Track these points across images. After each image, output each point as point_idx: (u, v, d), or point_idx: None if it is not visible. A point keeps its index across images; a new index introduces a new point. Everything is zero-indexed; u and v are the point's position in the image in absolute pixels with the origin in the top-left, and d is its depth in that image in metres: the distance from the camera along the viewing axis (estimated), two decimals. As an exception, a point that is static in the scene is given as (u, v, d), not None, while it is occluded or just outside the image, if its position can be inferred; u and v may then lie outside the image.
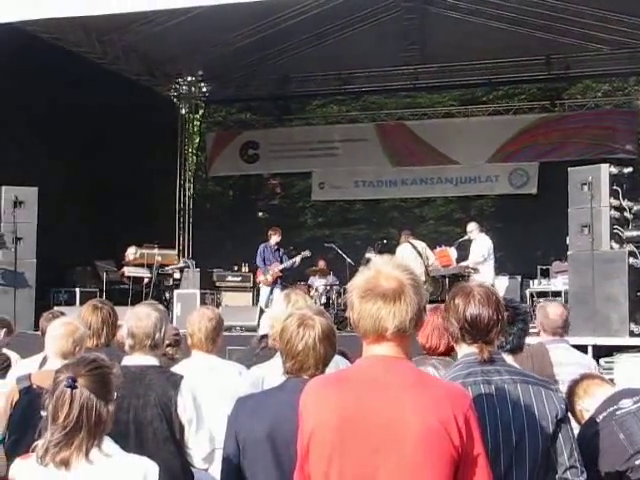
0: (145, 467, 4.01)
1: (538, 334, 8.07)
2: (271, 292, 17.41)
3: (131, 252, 17.82)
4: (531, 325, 6.21)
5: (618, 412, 5.07)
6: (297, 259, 17.97)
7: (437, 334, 4.75)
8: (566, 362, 7.16)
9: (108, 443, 3.99)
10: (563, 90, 24.55)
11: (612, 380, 5.79)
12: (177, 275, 18.17)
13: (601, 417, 5.17)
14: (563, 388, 6.76)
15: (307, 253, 18.14)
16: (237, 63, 21.93)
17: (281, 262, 17.84)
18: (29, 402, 5.84)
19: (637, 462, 4.97)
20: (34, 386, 5.91)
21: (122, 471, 3.96)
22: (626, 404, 5.08)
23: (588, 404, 5.41)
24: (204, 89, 24.93)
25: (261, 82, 23.54)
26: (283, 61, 22.06)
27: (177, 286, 17.69)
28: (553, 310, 7.79)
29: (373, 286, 3.46)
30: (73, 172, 17.72)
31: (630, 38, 17.93)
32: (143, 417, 5.51)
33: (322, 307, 5.56)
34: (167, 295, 17.46)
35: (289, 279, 17.92)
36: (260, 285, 17.87)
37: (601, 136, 21.94)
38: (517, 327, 5.03)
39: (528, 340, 9.33)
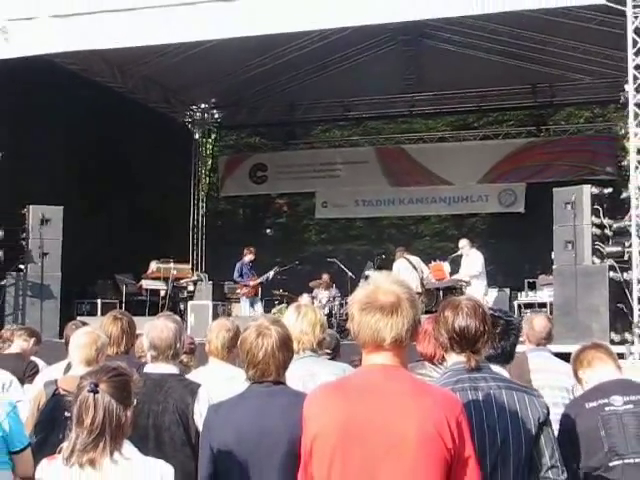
0: (161, 469, 4.02)
1: (523, 343, 8.21)
2: (252, 303, 17.69)
3: (151, 266, 17.91)
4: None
5: (607, 408, 5.10)
6: (270, 274, 18.31)
7: (434, 343, 4.76)
8: (545, 369, 7.23)
9: (127, 446, 4.01)
10: (548, 117, 24.60)
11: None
12: (191, 287, 18.22)
13: (589, 406, 5.21)
14: (542, 392, 6.92)
15: (277, 269, 18.55)
16: (247, 91, 22.00)
17: (256, 277, 18.15)
18: (55, 404, 5.85)
19: (611, 464, 5.00)
20: (60, 390, 5.93)
21: (140, 473, 3.97)
22: (616, 402, 5.10)
23: (588, 376, 5.51)
24: (216, 115, 24.99)
25: (269, 109, 23.61)
26: (289, 90, 22.12)
27: (191, 298, 17.75)
28: (538, 322, 7.91)
29: (372, 300, 3.49)
30: (95, 192, 17.80)
31: (609, 69, 17.97)
32: (161, 422, 5.52)
33: (280, 317, 5.53)
34: (182, 306, 17.50)
35: (294, 291, 18.01)
36: (241, 297, 18.02)
37: (583, 159, 21.98)
38: (510, 340, 5.04)
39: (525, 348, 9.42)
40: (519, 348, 8.08)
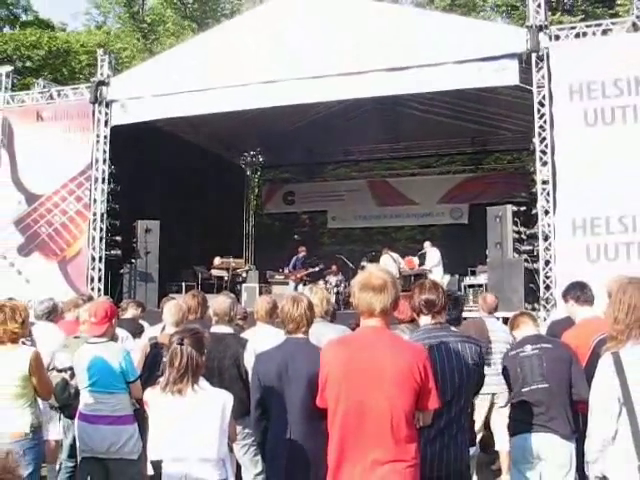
0: (225, 396, 4.11)
1: (478, 311, 8.51)
2: (296, 287, 17.59)
3: (217, 260, 17.93)
4: (466, 306, 6.49)
5: (521, 354, 5.31)
6: (316, 269, 18.18)
7: (407, 311, 4.83)
8: (495, 329, 7.67)
9: (202, 381, 4.08)
10: (483, 159, 24.51)
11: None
12: (244, 275, 18.23)
13: (511, 354, 5.45)
14: (495, 345, 7.43)
15: (321, 266, 18.36)
16: (281, 142, 21.95)
17: (305, 269, 18.11)
18: (156, 353, 5.94)
19: (523, 390, 5.17)
20: (159, 343, 5.98)
21: (211, 398, 4.08)
22: (527, 349, 5.31)
23: (516, 333, 5.73)
24: (261, 159, 24.93)
25: (296, 154, 23.55)
26: (309, 141, 22.10)
27: (244, 281, 17.75)
28: (490, 298, 8.34)
29: (367, 282, 3.61)
30: (182, 211, 17.84)
31: (522, 127, 17.90)
32: (223, 365, 5.63)
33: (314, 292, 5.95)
34: (238, 287, 17.48)
35: (313, 277, 18.00)
36: (290, 282, 17.96)
37: (506, 187, 21.87)
38: (458, 309, 5.14)
39: (471, 315, 9.62)
40: (474, 315, 8.50)
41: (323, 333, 5.26)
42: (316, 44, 13.69)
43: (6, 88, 17.07)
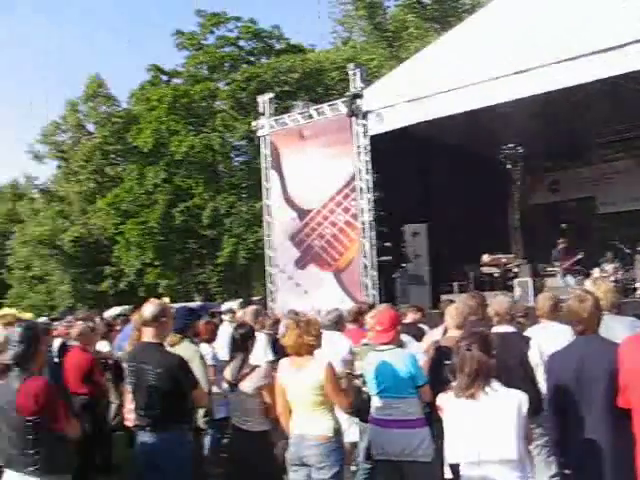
0: (520, 397, 4.12)
1: None
2: (564, 277, 17.11)
3: (486, 257, 17.83)
4: None
5: None
6: (578, 256, 17.71)
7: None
8: None
9: (494, 382, 4.10)
10: None
11: None
12: (515, 269, 17.87)
13: None
14: None
15: (581, 255, 17.77)
16: (540, 130, 21.12)
17: (568, 259, 17.69)
18: (439, 355, 6.06)
19: None
20: (442, 346, 6.10)
21: (506, 399, 4.09)
22: None
23: None
24: (520, 150, 24.13)
25: (556, 141, 22.63)
26: (570, 125, 21.02)
27: (515, 277, 17.42)
28: None
29: None
30: (445, 211, 17.81)
31: None
32: (508, 365, 5.67)
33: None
34: (509, 283, 17.19)
35: (586, 266, 17.31)
36: (557, 273, 17.46)
37: None
38: None
39: None
40: None
41: (611, 327, 5.09)
42: (565, 24, 13.16)
43: (270, 114, 18.31)
